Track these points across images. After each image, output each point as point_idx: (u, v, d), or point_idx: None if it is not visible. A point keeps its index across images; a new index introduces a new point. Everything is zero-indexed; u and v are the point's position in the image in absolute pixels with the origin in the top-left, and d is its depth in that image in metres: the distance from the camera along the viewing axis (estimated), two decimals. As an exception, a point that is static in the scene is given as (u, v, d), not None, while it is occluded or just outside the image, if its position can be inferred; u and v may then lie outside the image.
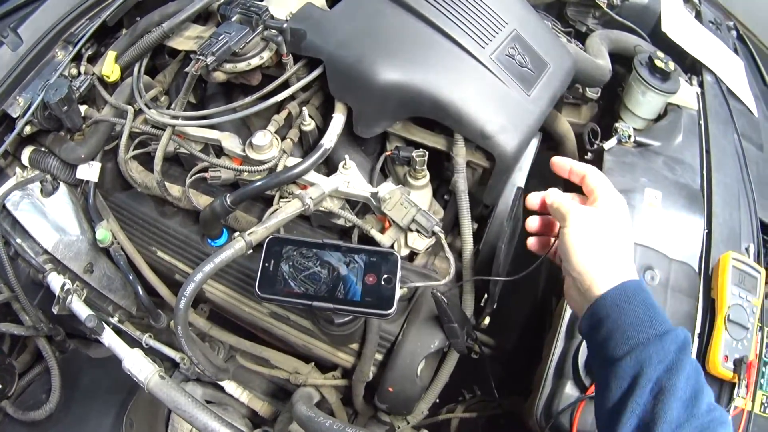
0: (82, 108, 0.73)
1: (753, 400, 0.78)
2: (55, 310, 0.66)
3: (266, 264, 0.55)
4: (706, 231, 0.77)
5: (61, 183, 0.74)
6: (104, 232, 0.69)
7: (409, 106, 0.62)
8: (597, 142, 0.82)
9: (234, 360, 0.74)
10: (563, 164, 0.52)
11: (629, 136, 0.80)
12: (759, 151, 0.91)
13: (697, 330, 0.74)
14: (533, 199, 0.52)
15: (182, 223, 0.69)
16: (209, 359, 0.60)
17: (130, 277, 0.70)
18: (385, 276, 0.54)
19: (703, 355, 0.73)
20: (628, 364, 0.40)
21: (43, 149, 0.75)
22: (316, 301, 0.54)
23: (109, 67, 0.72)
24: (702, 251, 0.75)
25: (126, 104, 0.70)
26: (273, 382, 0.74)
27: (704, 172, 0.81)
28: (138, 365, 0.61)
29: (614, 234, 0.46)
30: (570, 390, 0.64)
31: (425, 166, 0.63)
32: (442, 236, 0.59)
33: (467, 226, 0.61)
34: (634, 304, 0.42)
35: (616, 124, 0.81)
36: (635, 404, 0.38)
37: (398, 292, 0.53)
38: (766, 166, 0.91)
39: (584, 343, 0.62)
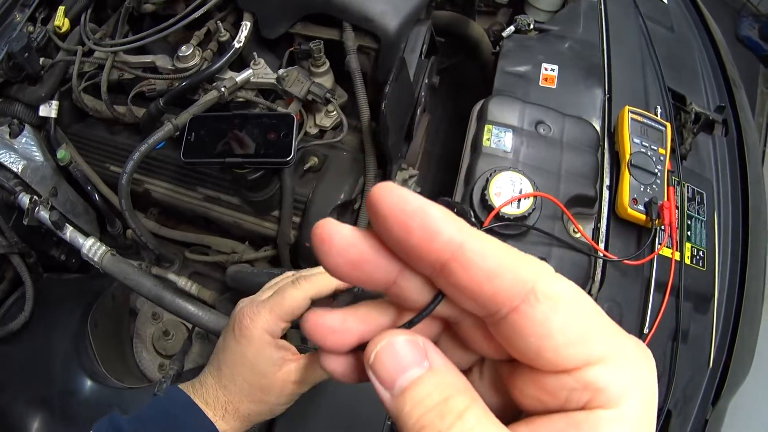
0: (40, 60, 0.99)
1: (681, 251, 0.92)
2: (25, 221, 0.89)
3: (188, 137, 0.77)
4: (608, 96, 0.94)
5: (26, 125, 0.99)
6: (64, 152, 0.92)
7: (303, 5, 0.85)
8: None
9: (185, 264, 0.94)
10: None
11: (528, 24, 1.00)
12: (670, 32, 1.09)
13: (606, 183, 0.90)
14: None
15: (128, 137, 0.92)
16: (150, 232, 0.80)
17: (88, 188, 0.92)
18: (284, 132, 0.75)
19: (613, 203, 0.88)
20: None
21: (8, 99, 1.00)
22: (228, 157, 0.75)
23: (60, 19, 0.98)
24: (604, 113, 0.92)
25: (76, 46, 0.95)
26: (221, 282, 0.93)
27: (604, 46, 0.99)
28: (93, 249, 0.82)
29: None
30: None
31: (323, 54, 0.84)
32: (334, 101, 0.79)
33: (362, 98, 0.82)
34: None
35: (516, 16, 1.01)
36: None
37: (295, 144, 0.74)
38: (677, 45, 1.08)
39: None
